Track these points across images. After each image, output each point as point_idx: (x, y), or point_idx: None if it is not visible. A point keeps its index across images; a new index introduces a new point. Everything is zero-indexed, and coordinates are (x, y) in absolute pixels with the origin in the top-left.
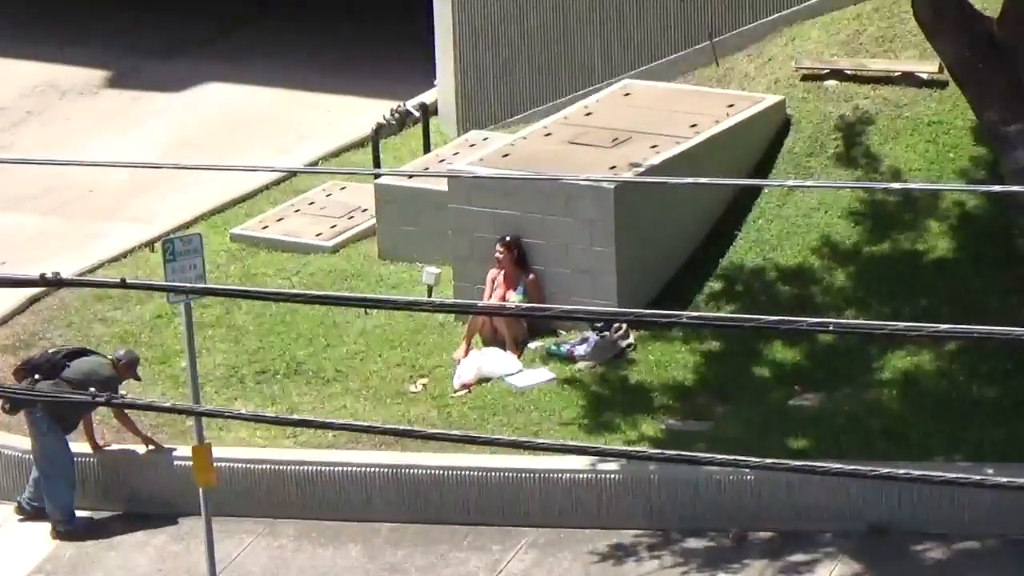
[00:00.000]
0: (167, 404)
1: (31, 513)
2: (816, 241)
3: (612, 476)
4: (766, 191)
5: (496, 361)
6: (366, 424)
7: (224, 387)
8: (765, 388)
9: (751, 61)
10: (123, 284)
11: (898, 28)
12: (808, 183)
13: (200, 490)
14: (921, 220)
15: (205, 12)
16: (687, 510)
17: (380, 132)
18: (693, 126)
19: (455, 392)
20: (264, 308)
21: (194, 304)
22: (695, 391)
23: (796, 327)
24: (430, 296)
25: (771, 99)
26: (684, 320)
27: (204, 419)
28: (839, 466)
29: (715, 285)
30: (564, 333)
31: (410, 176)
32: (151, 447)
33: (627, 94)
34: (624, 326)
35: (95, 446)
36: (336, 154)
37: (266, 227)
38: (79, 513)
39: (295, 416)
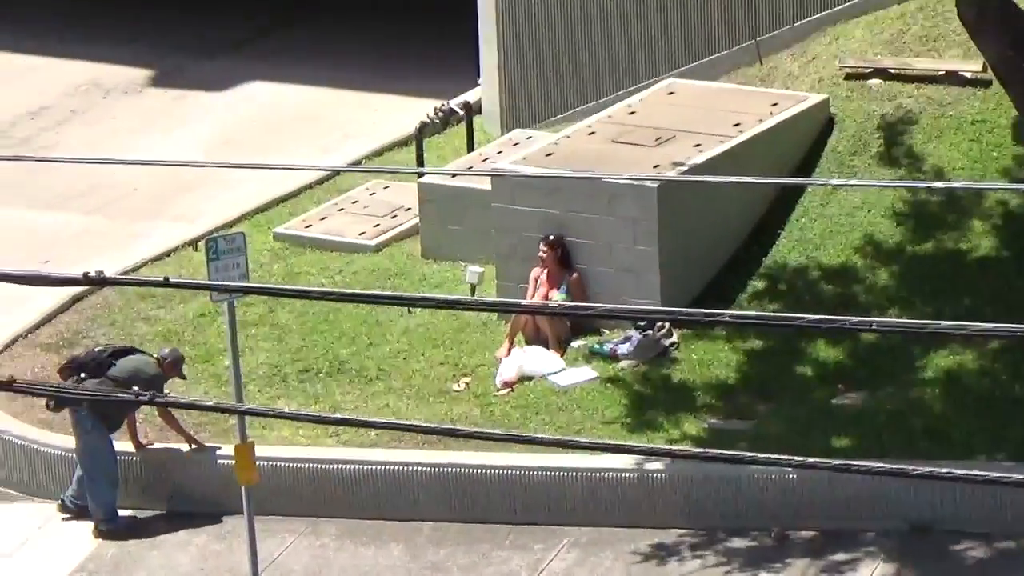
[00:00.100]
0: (210, 403)
1: (74, 511)
2: (859, 240)
3: (654, 475)
4: (809, 190)
5: (539, 360)
6: (409, 423)
7: (267, 386)
8: (808, 387)
9: (795, 60)
10: (167, 283)
11: (942, 27)
12: (851, 182)
13: (243, 489)
14: (964, 219)
15: (249, 11)
16: (729, 509)
17: (424, 131)
18: (737, 125)
19: (498, 391)
20: (307, 307)
21: (237, 303)
22: (738, 390)
23: (839, 326)
24: (473, 295)
25: (815, 98)
26: (727, 319)
27: (247, 418)
28: (881, 465)
29: (758, 284)
30: (607, 332)
31: (454, 175)
32: (194, 446)
33: (671, 93)
34: (667, 325)
35: (138, 445)
36: (380, 153)
37: (309, 226)
38: (122, 512)
39: (338, 415)
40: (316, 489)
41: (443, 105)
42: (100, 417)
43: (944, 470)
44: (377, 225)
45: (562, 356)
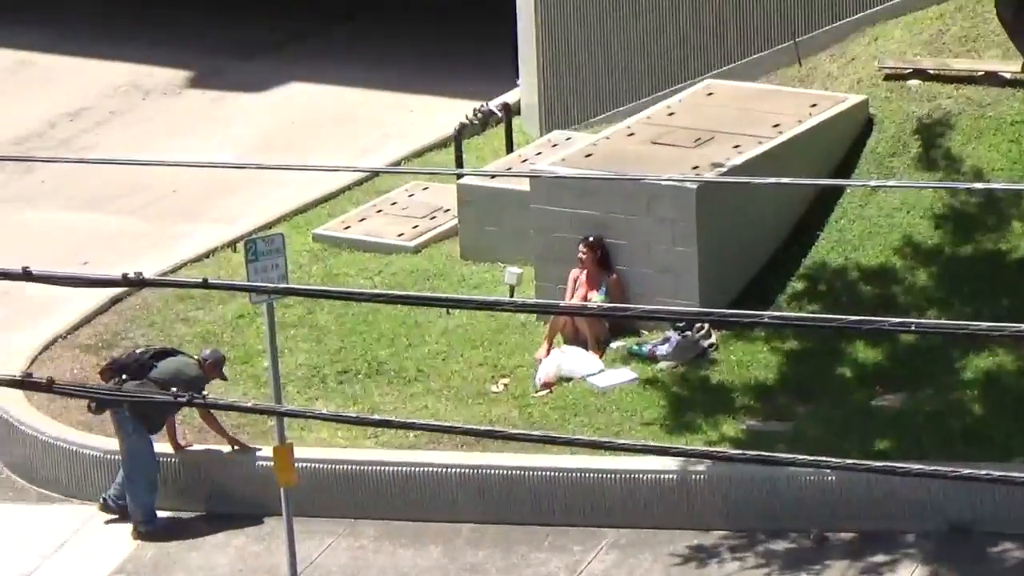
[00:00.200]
0: (249, 404)
1: (116, 510)
2: (898, 241)
3: (693, 476)
4: (848, 191)
5: (578, 361)
6: (447, 424)
7: (306, 387)
8: (847, 388)
9: (834, 61)
10: (205, 284)
11: (981, 28)
12: (890, 183)
13: (281, 490)
14: (1003, 220)
15: (288, 12)
16: (768, 511)
17: (463, 132)
18: (776, 126)
19: (537, 392)
20: (346, 308)
21: (276, 304)
22: (776, 391)
23: (878, 327)
24: (512, 296)
25: (854, 99)
26: (766, 320)
27: (286, 419)
28: (920, 466)
29: (797, 285)
30: (646, 333)
31: (492, 176)
32: (236, 447)
33: (710, 94)
34: (706, 326)
35: (177, 446)
36: (419, 154)
37: (348, 227)
38: (161, 513)
39: (376, 416)
40: (354, 490)
41: (482, 106)
42: (140, 419)
43: (983, 471)
44: (416, 226)
45: (601, 357)
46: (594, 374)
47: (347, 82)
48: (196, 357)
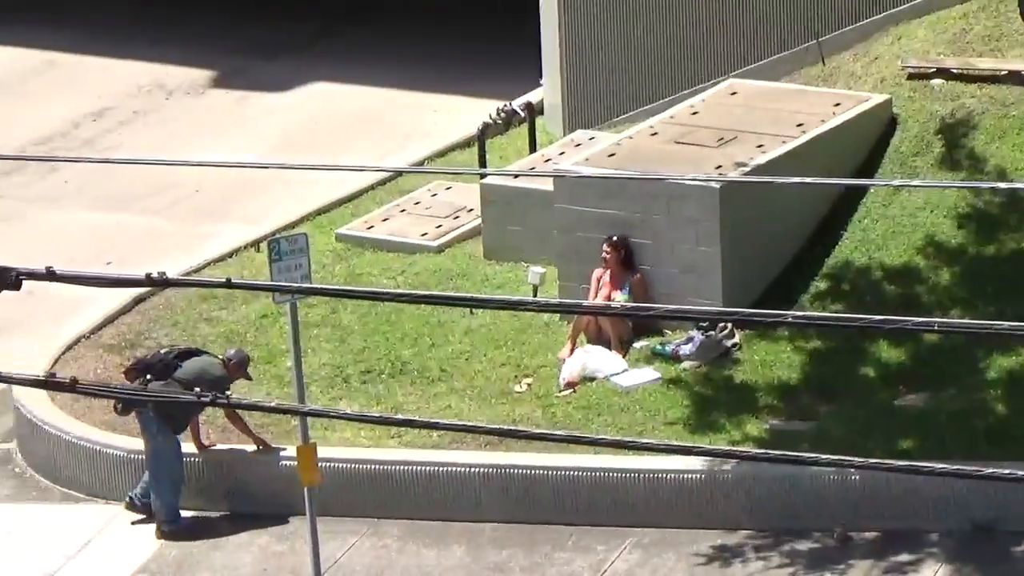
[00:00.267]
0: (272, 404)
1: (141, 509)
2: (922, 241)
3: (716, 476)
4: (872, 190)
5: (601, 360)
6: (471, 424)
7: (329, 387)
8: (870, 388)
9: (857, 60)
10: (229, 284)
11: (1004, 27)
12: (914, 183)
13: (305, 490)
14: None
15: (311, 12)
16: (791, 510)
17: (486, 132)
18: (799, 125)
19: (560, 392)
20: (369, 308)
21: (300, 304)
22: (800, 391)
23: (901, 327)
24: (535, 296)
25: (877, 98)
26: (789, 320)
27: (309, 419)
28: (944, 466)
29: (820, 284)
30: (669, 332)
31: (516, 176)
32: (261, 447)
33: (733, 93)
34: (729, 325)
35: (200, 446)
36: (442, 154)
37: (371, 227)
38: (184, 513)
39: (400, 416)
40: (378, 490)
41: (505, 106)
42: (165, 419)
43: (1006, 471)
44: (439, 226)
45: (624, 357)
46: (617, 374)
47: (371, 82)
48: (221, 357)
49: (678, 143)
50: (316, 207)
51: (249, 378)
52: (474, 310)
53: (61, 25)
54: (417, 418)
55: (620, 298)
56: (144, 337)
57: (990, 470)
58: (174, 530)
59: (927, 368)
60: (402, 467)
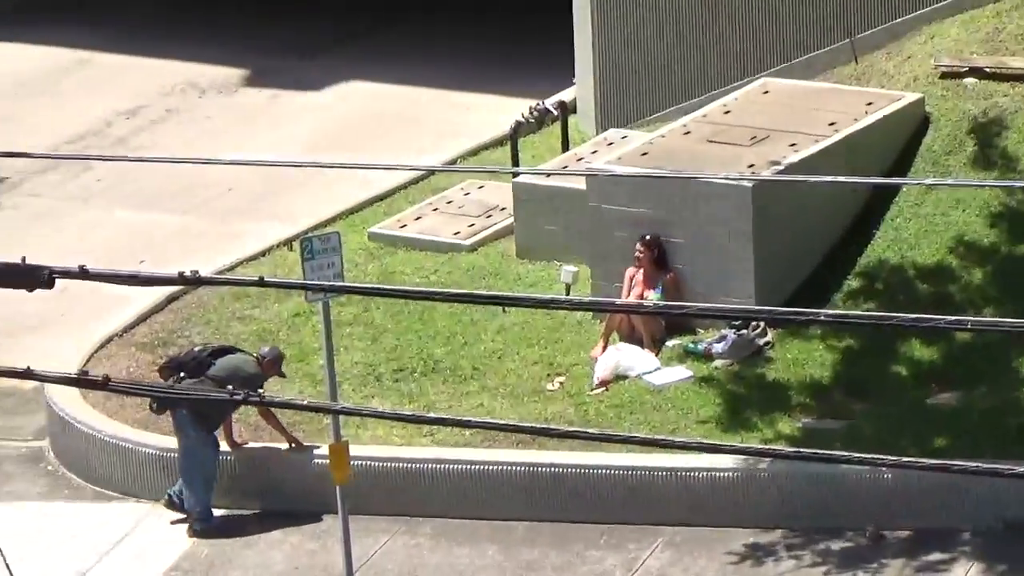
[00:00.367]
0: (304, 402)
1: (180, 507)
2: (954, 240)
3: (748, 474)
4: (904, 189)
5: (634, 358)
6: (503, 422)
7: (361, 385)
8: (902, 386)
9: (890, 59)
10: (261, 282)
11: None
12: (946, 181)
13: (337, 488)
14: None
15: (345, 10)
16: (823, 509)
17: (519, 130)
18: (832, 124)
19: (592, 390)
20: (402, 306)
21: (332, 302)
22: (832, 389)
23: (934, 325)
24: (568, 294)
25: (910, 97)
26: (822, 318)
27: (341, 417)
28: (976, 464)
29: (853, 283)
30: (702, 331)
31: (548, 174)
32: (294, 445)
33: (766, 92)
34: (762, 324)
35: (233, 444)
36: (475, 152)
37: (404, 226)
38: (216, 511)
39: (432, 414)
40: (410, 488)
41: (538, 104)
42: (199, 417)
43: None
44: (472, 225)
45: (657, 355)
46: (650, 372)
47: (403, 80)
48: (255, 355)
49: (711, 142)
50: (349, 206)
51: (283, 375)
52: (506, 308)
53: (94, 24)
54: (449, 416)
55: (653, 297)
56: (177, 336)
57: (1022, 468)
58: (206, 528)
59: (960, 367)
60: (434, 465)
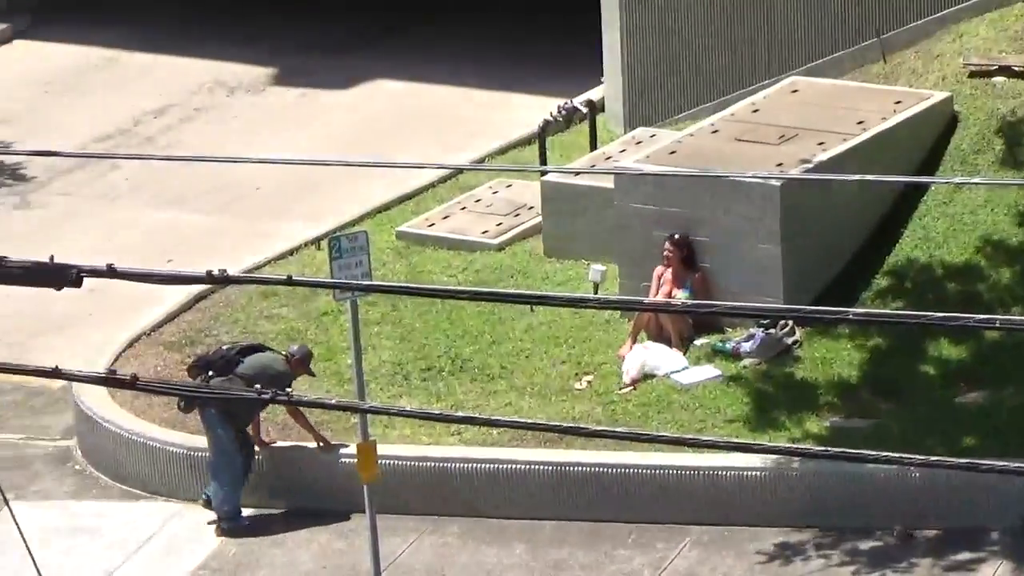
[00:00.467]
0: (332, 401)
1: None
2: (982, 238)
3: (776, 474)
4: (933, 188)
5: (662, 357)
6: (531, 421)
7: (389, 384)
8: (930, 385)
9: (919, 58)
10: (289, 281)
11: None
12: (975, 180)
13: (364, 487)
14: None
15: (373, 10)
16: (852, 508)
17: (547, 129)
18: (860, 123)
19: (620, 389)
20: (430, 305)
21: (360, 301)
22: (860, 388)
23: (962, 324)
24: (596, 293)
25: (938, 96)
26: (850, 317)
27: (369, 416)
28: (1005, 463)
29: (881, 282)
30: (730, 330)
31: (576, 173)
32: (321, 444)
33: (794, 91)
34: (790, 323)
35: (260, 443)
36: (503, 151)
37: (432, 224)
38: (244, 511)
39: (460, 413)
40: (438, 488)
41: (566, 103)
42: (227, 416)
43: None
44: (500, 223)
45: (685, 354)
46: (678, 371)
47: (432, 79)
48: (284, 353)
49: (739, 141)
50: (377, 204)
51: (312, 374)
52: (534, 307)
53: (123, 23)
54: (477, 415)
55: (681, 296)
56: (205, 334)
57: None
58: (234, 527)
59: (988, 365)
60: (462, 464)
